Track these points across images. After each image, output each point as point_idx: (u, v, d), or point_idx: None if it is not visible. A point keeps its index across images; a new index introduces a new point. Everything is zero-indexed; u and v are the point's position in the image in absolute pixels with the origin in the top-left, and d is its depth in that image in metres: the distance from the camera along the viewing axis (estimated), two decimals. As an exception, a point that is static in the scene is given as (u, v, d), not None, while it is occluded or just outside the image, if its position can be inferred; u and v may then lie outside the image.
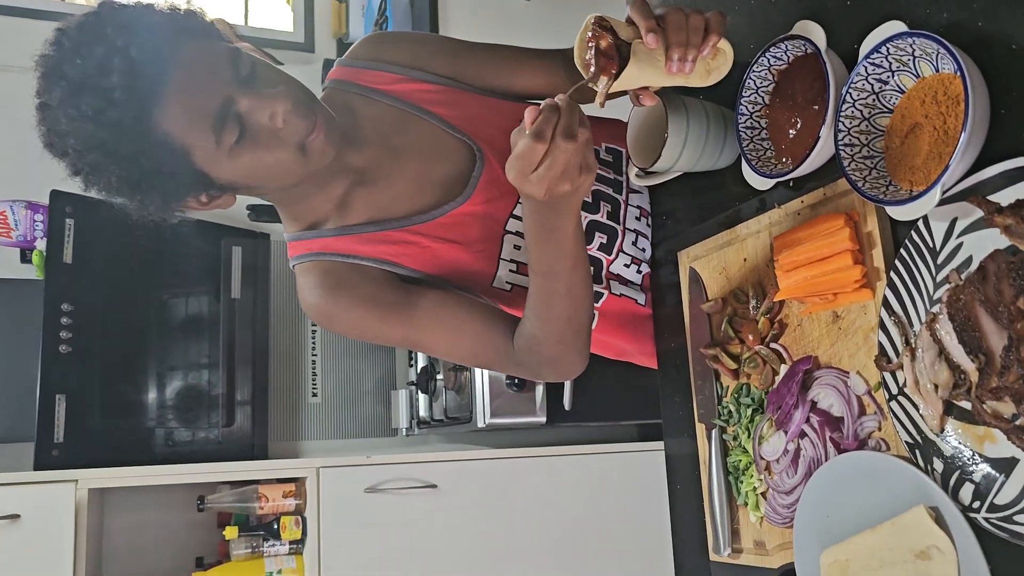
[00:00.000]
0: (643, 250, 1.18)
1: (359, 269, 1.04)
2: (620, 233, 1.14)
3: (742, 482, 0.99)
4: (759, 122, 0.97)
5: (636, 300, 1.19)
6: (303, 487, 2.13)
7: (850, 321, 0.86)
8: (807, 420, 0.88)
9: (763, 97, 0.97)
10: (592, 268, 1.13)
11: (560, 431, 2.39)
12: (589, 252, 1.12)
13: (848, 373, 0.86)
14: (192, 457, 2.24)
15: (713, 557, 1.05)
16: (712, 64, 0.88)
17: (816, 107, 0.91)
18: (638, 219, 1.17)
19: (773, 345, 0.95)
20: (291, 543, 2.14)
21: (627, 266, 1.17)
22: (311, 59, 2.99)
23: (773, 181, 0.93)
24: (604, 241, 1.14)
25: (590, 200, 1.13)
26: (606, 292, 1.15)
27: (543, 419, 2.12)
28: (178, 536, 2.40)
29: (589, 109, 1.26)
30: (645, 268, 1.19)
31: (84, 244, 2.19)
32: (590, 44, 0.83)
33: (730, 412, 1.02)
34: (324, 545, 2.07)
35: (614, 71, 0.82)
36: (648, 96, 0.91)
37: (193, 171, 0.89)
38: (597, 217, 1.13)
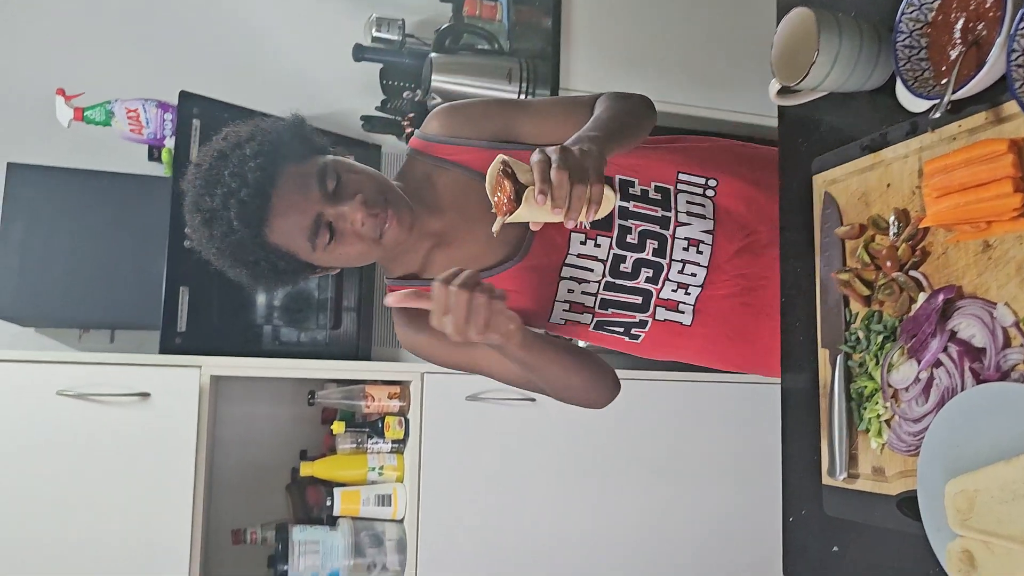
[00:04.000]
0: (692, 275, 1.25)
1: None
2: (666, 266, 1.24)
3: (865, 408, 0.99)
4: (919, 40, 0.93)
5: (680, 322, 1.28)
6: (407, 390, 2.20)
7: (1003, 251, 0.83)
8: (944, 349, 0.87)
9: (926, 14, 0.93)
10: (641, 299, 1.25)
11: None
12: (636, 285, 1.24)
13: (995, 304, 0.83)
14: (300, 354, 2.34)
15: (826, 481, 1.05)
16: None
17: (984, 28, 0.86)
18: (685, 249, 1.24)
19: (912, 273, 0.93)
20: (394, 442, 2.22)
21: (674, 291, 1.26)
22: None
23: (930, 103, 0.89)
24: (650, 275, 1.24)
25: (635, 242, 1.22)
26: (651, 320, 1.27)
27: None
28: (284, 429, 2.53)
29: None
30: (695, 291, 1.26)
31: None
32: (496, 185, 0.97)
33: (858, 339, 1.01)
34: (425, 447, 2.16)
35: (511, 211, 0.95)
36: (536, 227, 1.03)
37: (300, 264, 1.15)
38: (643, 255, 1.23)
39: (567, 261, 1.22)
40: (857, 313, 1.02)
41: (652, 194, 1.23)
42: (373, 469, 2.18)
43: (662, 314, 1.26)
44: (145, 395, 1.98)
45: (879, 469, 0.97)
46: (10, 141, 2.50)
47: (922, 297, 0.92)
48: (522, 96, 2.43)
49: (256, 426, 2.52)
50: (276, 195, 1.07)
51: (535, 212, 0.93)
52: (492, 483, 2.22)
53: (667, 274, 1.23)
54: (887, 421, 0.96)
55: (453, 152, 1.24)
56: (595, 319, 1.27)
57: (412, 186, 1.24)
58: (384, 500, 2.14)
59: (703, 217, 1.23)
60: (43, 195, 2.28)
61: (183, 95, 2.26)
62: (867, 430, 0.98)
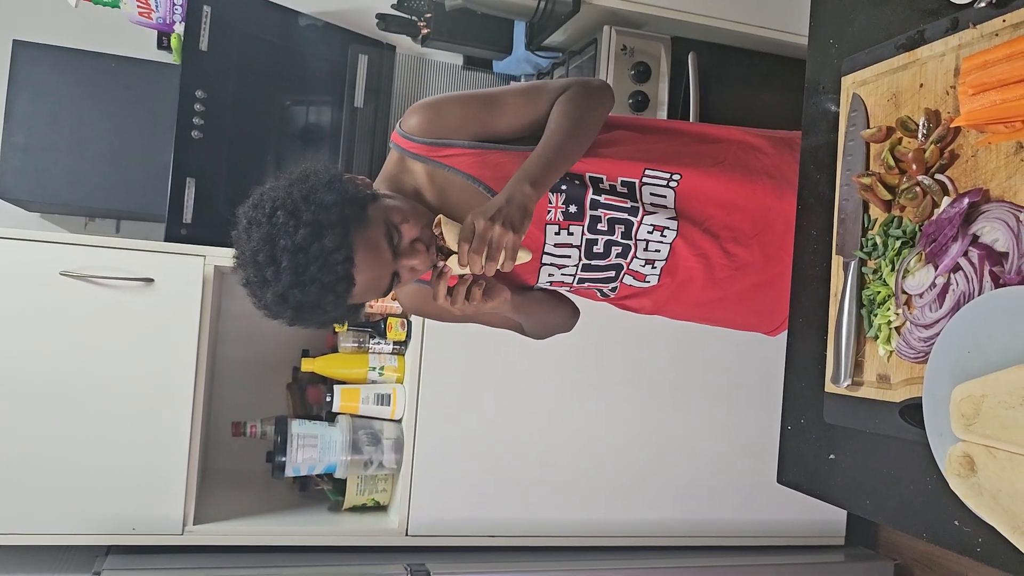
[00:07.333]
0: (657, 251, 1.34)
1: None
2: (633, 245, 1.34)
3: (876, 315, 0.97)
4: (968, -71, 0.88)
5: (644, 287, 1.39)
6: (410, 293, 2.19)
7: (1036, 152, 0.80)
8: (964, 254, 0.84)
9: (979, -100, 0.87)
10: (614, 272, 1.37)
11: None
12: (608, 262, 1.35)
13: (1022, 208, 0.81)
14: (307, 254, 2.32)
15: (829, 388, 1.04)
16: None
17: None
18: (650, 232, 1.33)
19: (938, 176, 0.90)
20: (395, 343, 2.23)
21: (642, 266, 1.36)
22: None
23: (975, -5, 0.85)
24: (619, 251, 1.34)
25: (605, 228, 1.32)
26: (619, 284, 1.39)
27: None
28: (287, 328, 2.51)
29: None
30: (660, 264, 1.36)
31: (220, 32, 2.22)
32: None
33: (875, 245, 0.98)
34: (426, 349, 2.16)
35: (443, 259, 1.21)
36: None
37: (363, 305, 1.28)
38: (613, 237, 1.32)
39: (545, 250, 1.33)
40: (876, 219, 1.00)
41: (619, 188, 1.32)
42: (374, 369, 2.19)
43: (629, 280, 1.38)
44: (149, 280, 1.97)
45: (884, 376, 0.96)
46: (17, 18, 2.44)
47: (946, 201, 0.89)
48: (542, 5, 2.38)
49: (259, 323, 2.46)
50: (358, 273, 1.14)
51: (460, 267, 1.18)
52: (491, 389, 2.22)
53: (635, 252, 1.34)
54: (897, 328, 0.94)
55: (442, 153, 1.28)
56: (570, 291, 1.46)
57: (410, 191, 1.30)
58: (383, 399, 2.15)
59: (666, 207, 1.32)
60: (49, 75, 2.22)
61: (195, -21, 2.19)
62: (876, 337, 0.97)
